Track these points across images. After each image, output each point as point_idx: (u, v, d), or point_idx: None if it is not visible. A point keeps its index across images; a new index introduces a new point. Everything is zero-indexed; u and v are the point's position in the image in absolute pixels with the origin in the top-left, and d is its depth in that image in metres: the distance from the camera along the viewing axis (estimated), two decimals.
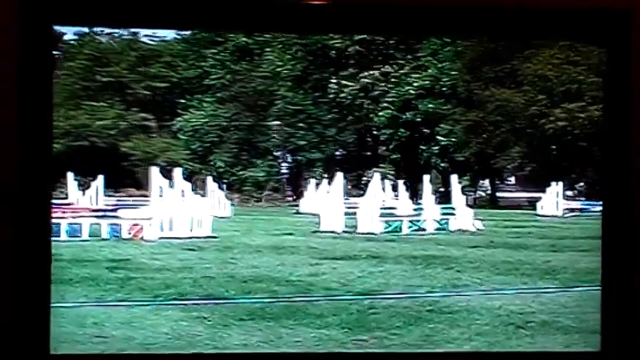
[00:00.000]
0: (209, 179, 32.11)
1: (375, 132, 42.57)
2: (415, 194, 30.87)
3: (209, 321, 11.64)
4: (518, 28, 5.74)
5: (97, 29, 28.78)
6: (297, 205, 35.32)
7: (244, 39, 43.02)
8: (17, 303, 4.97)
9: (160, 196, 22.36)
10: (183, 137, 43.27)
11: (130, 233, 21.32)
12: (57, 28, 5.36)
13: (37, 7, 5.04)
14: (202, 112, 43.87)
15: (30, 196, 5.11)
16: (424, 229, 24.31)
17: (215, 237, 21.35)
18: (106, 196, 24.18)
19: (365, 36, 39.92)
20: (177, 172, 23.37)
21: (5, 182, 5.06)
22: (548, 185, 33.34)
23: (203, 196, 27.53)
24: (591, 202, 34.88)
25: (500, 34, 28.93)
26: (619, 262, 5.07)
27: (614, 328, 4.93)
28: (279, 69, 42.79)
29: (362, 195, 27.13)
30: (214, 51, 43.89)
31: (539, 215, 32.13)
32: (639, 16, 5.21)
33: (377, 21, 5.55)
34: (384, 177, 31.83)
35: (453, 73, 39.58)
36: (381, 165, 40.00)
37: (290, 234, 23.34)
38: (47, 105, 5.18)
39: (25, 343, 4.96)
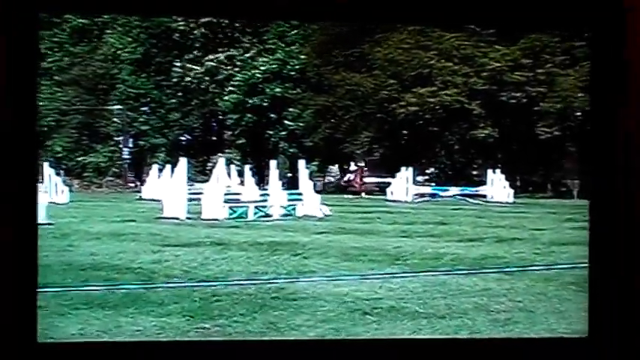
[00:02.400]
0: (45, 165, 31.04)
1: (220, 116, 42.33)
2: (262, 180, 30.60)
3: (45, 310, 10.95)
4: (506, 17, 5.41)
5: None
6: (139, 191, 34.84)
7: (82, 20, 42.07)
8: (5, 295, 4.76)
9: None
10: None
11: None
12: None
13: None
14: (39, 95, 42.75)
15: (19, 188, 4.81)
16: (270, 215, 24.06)
17: (52, 224, 20.61)
18: None
19: (210, 18, 39.51)
20: None
21: None
22: (398, 170, 33.39)
23: (39, 182, 26.72)
24: (441, 188, 35.20)
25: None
26: (605, 250, 4.88)
27: (601, 314, 4.78)
28: (119, 52, 42.18)
29: (206, 181, 26.75)
30: (50, 33, 42.96)
31: (388, 200, 32.16)
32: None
33: None
34: (229, 162, 31.53)
35: (302, 56, 39.43)
36: (227, 150, 39.80)
37: (132, 220, 22.82)
38: (33, 96, 4.83)
39: (14, 333, 4.72)
